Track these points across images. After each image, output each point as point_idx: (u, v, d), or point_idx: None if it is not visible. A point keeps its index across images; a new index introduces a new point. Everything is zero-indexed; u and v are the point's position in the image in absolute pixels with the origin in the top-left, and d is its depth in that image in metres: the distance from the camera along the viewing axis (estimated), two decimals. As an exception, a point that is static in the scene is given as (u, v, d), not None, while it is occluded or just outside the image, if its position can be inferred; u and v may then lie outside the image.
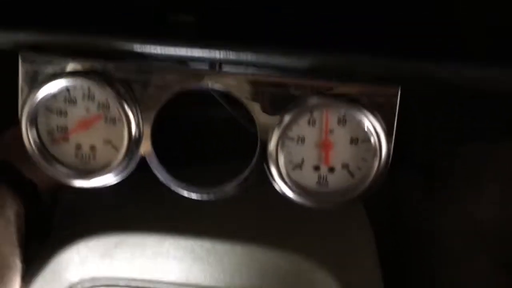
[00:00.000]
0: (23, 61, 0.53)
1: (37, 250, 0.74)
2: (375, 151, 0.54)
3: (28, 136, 0.54)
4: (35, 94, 0.53)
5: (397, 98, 0.53)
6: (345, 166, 0.55)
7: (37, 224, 0.67)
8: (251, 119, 0.56)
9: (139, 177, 0.61)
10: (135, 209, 0.75)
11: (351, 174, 0.55)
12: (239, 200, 0.71)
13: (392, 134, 0.54)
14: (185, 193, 0.58)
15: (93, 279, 0.72)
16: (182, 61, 0.55)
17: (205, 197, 0.58)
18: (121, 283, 0.72)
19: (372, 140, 0.53)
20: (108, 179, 0.56)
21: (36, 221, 0.67)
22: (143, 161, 0.58)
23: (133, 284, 0.72)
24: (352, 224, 0.79)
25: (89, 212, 0.76)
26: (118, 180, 0.56)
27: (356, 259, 0.74)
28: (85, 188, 0.61)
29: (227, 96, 0.57)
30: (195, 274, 0.71)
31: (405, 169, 0.92)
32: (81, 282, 0.72)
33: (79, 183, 0.56)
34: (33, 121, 0.54)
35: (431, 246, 0.88)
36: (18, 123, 0.57)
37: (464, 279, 0.83)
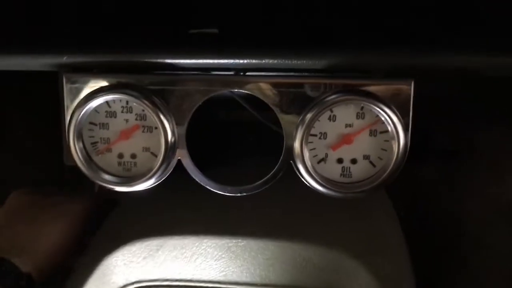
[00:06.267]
0: (67, 81, 0.58)
1: (84, 257, 0.79)
2: (393, 141, 0.57)
3: (76, 149, 0.59)
4: (79, 111, 0.58)
5: (411, 90, 0.56)
6: (366, 157, 0.59)
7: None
8: (275, 120, 0.60)
9: (174, 185, 0.65)
10: (173, 214, 0.79)
11: (373, 164, 0.59)
12: (269, 199, 0.74)
13: (408, 124, 0.57)
14: (219, 191, 0.62)
15: (138, 281, 0.76)
16: (209, 70, 0.59)
17: (237, 193, 0.61)
18: (164, 283, 0.76)
19: (390, 131, 0.57)
20: (148, 184, 0.61)
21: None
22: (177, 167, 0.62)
23: (175, 284, 0.76)
24: (378, 213, 0.81)
25: (131, 219, 0.80)
26: (157, 183, 0.61)
27: (384, 246, 0.76)
28: (125, 196, 0.65)
29: (252, 100, 0.61)
30: (233, 271, 0.74)
31: (427, 156, 0.94)
32: (126, 284, 0.76)
33: (123, 188, 0.61)
34: (79, 135, 0.60)
35: (456, 229, 0.90)
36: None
37: (490, 261, 0.83)
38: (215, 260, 0.75)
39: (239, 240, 0.74)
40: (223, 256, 0.75)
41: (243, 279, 0.75)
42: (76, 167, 0.66)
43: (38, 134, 0.89)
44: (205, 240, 0.75)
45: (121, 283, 0.76)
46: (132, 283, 0.76)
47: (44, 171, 0.90)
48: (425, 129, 0.92)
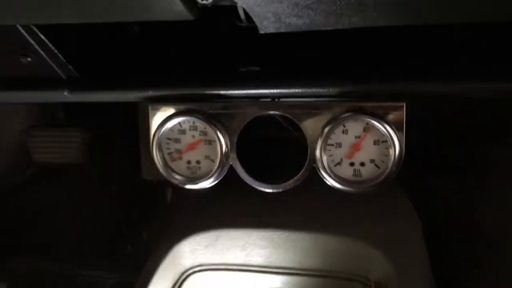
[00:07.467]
0: (151, 109, 0.80)
1: (159, 245, 0.96)
2: (391, 149, 0.74)
3: (157, 158, 0.80)
4: (160, 130, 0.79)
5: (403, 110, 0.74)
6: (372, 161, 0.76)
7: None
8: (302, 134, 0.77)
9: (228, 188, 0.83)
10: (228, 210, 0.95)
11: (377, 166, 0.76)
12: (305, 200, 0.89)
13: (403, 136, 0.74)
14: (262, 189, 0.80)
15: (200, 264, 0.92)
16: (253, 97, 0.79)
17: (275, 190, 0.80)
18: (221, 267, 0.91)
19: (388, 141, 0.74)
20: (209, 183, 0.81)
21: None
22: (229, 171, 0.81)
23: (230, 268, 0.91)
24: (398, 212, 0.93)
25: (196, 215, 0.97)
26: (216, 182, 0.81)
27: (402, 240, 0.87)
28: (192, 195, 0.84)
29: (283, 119, 0.79)
30: (276, 258, 0.89)
31: (444, 168, 1.04)
32: (192, 267, 0.92)
33: (190, 186, 0.81)
34: (160, 147, 0.81)
35: (473, 237, 0.99)
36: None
37: (506, 268, 0.90)
38: (262, 249, 0.90)
39: (282, 232, 0.88)
40: (268, 245, 0.89)
41: (285, 264, 0.89)
42: (151, 181, 0.85)
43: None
44: (254, 232, 0.89)
45: (188, 266, 0.92)
46: (196, 266, 0.92)
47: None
48: (443, 145, 1.01)
